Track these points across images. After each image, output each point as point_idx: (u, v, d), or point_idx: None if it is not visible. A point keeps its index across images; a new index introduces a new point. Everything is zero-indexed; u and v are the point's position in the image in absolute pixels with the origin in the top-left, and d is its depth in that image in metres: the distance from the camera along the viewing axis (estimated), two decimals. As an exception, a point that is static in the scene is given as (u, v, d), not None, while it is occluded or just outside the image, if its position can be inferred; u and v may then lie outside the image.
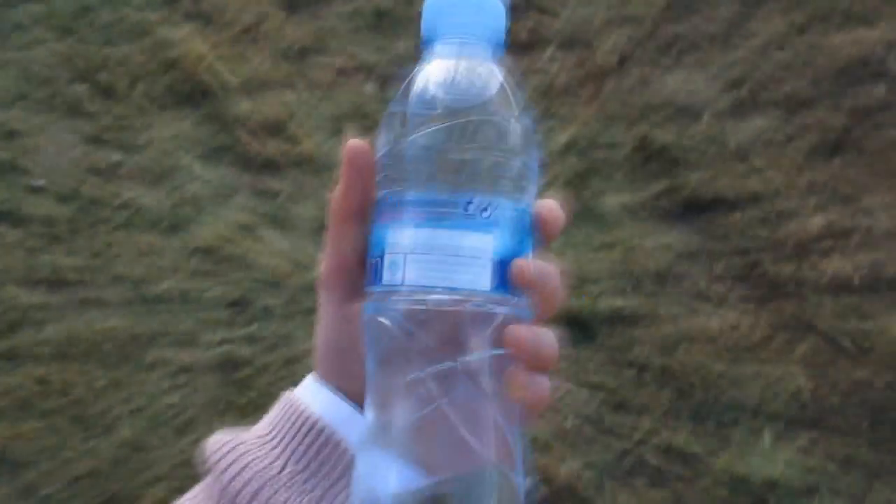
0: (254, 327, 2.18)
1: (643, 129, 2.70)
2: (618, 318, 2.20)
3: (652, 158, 2.64)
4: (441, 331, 0.46)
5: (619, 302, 2.24)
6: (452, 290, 0.46)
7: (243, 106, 2.77)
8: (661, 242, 2.42)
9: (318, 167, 2.60)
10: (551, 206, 0.50)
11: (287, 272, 2.29)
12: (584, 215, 2.43)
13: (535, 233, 0.49)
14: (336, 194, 0.52)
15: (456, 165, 0.46)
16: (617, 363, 2.09)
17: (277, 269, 2.31)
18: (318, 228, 2.42)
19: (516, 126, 0.48)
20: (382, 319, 0.47)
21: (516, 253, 0.47)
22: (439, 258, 0.46)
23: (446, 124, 0.47)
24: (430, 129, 0.47)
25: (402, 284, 0.46)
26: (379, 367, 0.48)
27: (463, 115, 0.47)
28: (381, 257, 0.48)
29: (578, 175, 2.60)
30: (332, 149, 2.67)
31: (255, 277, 2.29)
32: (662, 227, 2.48)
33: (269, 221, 2.44)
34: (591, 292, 2.25)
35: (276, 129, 2.71)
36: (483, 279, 0.46)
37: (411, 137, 0.47)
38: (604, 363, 2.09)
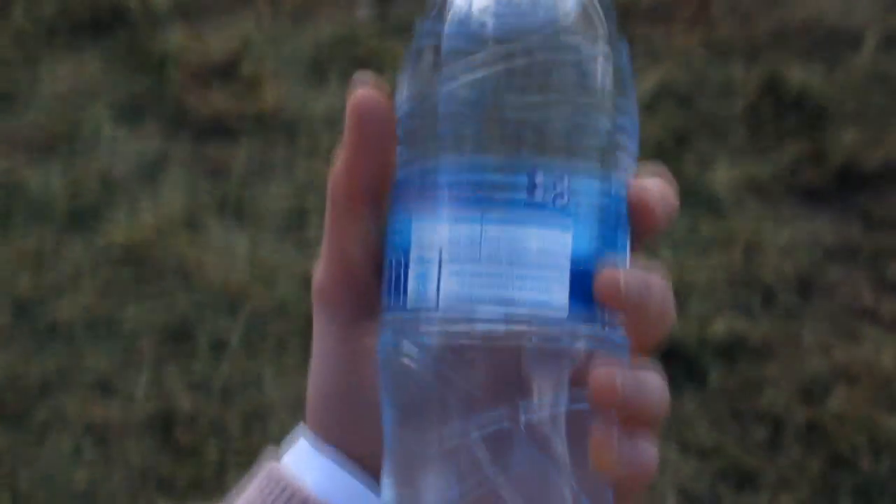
0: (199, 367, 2.19)
1: (772, 66, 2.72)
2: (739, 350, 2.22)
3: (786, 110, 2.67)
4: (494, 373, 0.47)
5: (740, 325, 2.26)
6: (511, 313, 0.47)
7: (177, 38, 2.77)
8: (801, 235, 2.44)
9: (288, 129, 2.61)
10: (655, 187, 0.51)
11: (246, 285, 2.30)
12: (684, 196, 2.41)
13: (632, 226, 0.51)
14: (338, 168, 0.53)
15: (515, 127, 0.48)
16: (739, 416, 2.11)
17: (232, 281, 2.31)
18: (293, 220, 2.43)
19: (605, 66, 0.49)
20: (407, 356, 0.49)
21: (605, 255, 0.49)
22: (491, 266, 0.47)
23: (500, 66, 0.48)
24: (475, 73, 0.48)
25: (435, 305, 0.48)
26: (402, 426, 0.50)
27: (524, 52, 0.48)
28: (405, 264, 0.49)
29: (675, 136, 2.64)
30: (310, 100, 2.68)
31: (200, 294, 2.29)
32: (803, 211, 2.50)
33: (218, 210, 2.46)
34: (698, 311, 2.27)
35: (225, 72, 2.72)
36: (557, 296, 0.47)
37: (447, 86, 0.49)
38: (719, 417, 2.11)
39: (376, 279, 0.52)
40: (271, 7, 2.88)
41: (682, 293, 2.26)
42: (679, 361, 2.14)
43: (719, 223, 2.45)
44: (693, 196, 2.44)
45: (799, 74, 2.65)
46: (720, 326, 2.25)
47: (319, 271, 0.54)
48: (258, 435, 2.05)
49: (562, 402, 0.48)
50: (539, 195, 0.47)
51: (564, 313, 0.47)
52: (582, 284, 0.48)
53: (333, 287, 0.54)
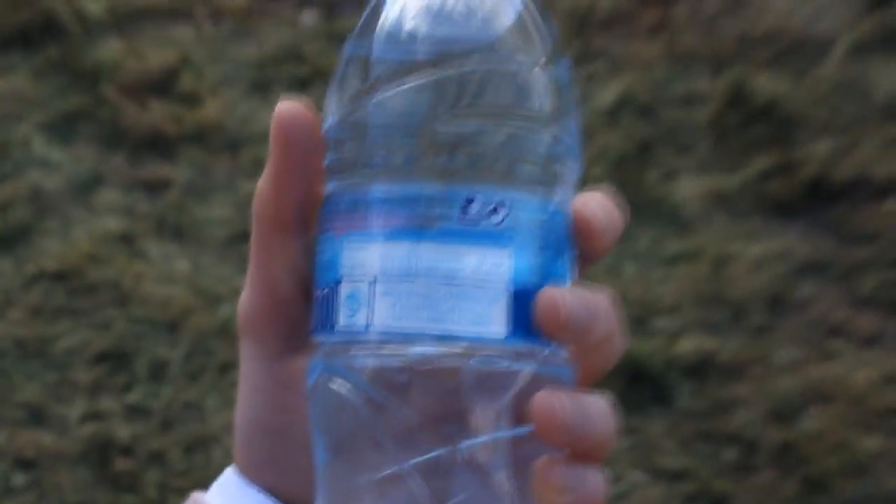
0: (136, 394, 2.18)
1: (737, 76, 2.74)
2: (708, 369, 2.23)
3: (753, 120, 2.69)
4: (430, 399, 0.48)
5: (707, 343, 2.28)
6: (447, 337, 0.47)
7: (111, 50, 2.77)
8: (771, 249, 2.46)
9: (230, 144, 2.63)
10: (599, 205, 0.52)
11: (187, 307, 2.31)
12: (648, 210, 2.49)
13: (575, 246, 0.51)
14: (263, 188, 0.53)
15: (449, 142, 0.48)
16: (708, 438, 2.12)
17: (172, 303, 2.32)
18: (234, 239, 2.45)
19: (543, 78, 0.50)
20: (338, 385, 0.49)
21: (546, 278, 0.49)
22: (425, 288, 0.47)
23: (434, 76, 0.48)
24: (408, 85, 0.49)
25: (367, 330, 0.48)
26: (334, 458, 0.50)
27: (460, 62, 0.48)
28: (335, 287, 0.49)
29: (639, 148, 2.65)
30: (253, 114, 2.69)
31: (138, 316, 2.29)
32: (773, 225, 2.52)
33: (156, 230, 2.46)
34: (665, 329, 2.29)
35: (163, 86, 2.73)
36: (495, 320, 0.48)
37: (378, 98, 0.49)
38: (688, 439, 2.11)
39: (306, 308, 0.52)
40: (212, 17, 2.88)
41: (647, 310, 2.30)
42: (645, 382, 2.16)
43: (685, 238, 2.47)
44: (657, 210, 2.47)
45: (766, 84, 2.68)
46: (688, 345, 2.26)
47: (245, 300, 0.54)
48: (200, 465, 2.05)
49: (503, 429, 0.48)
50: (476, 213, 0.47)
51: (503, 334, 0.47)
52: (522, 307, 0.48)
53: (260, 317, 0.53)
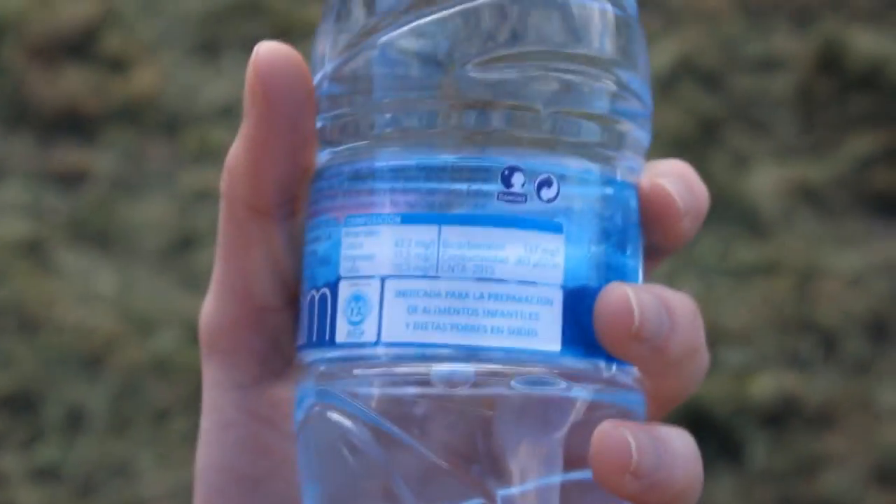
0: (46, 450, 2.12)
1: (831, 31, 2.70)
2: (790, 416, 2.18)
3: (851, 91, 2.63)
4: (459, 433, 0.47)
5: (790, 382, 2.22)
6: (481, 352, 0.46)
7: (15, 0, 2.75)
8: (872, 259, 2.41)
9: (168, 124, 2.59)
10: (678, 176, 0.52)
11: (112, 337, 2.26)
12: (714, 207, 2.47)
13: (647, 236, 0.51)
14: (236, 162, 0.52)
15: (483, 94, 0.47)
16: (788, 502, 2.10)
17: (92, 333, 2.27)
18: (174, 248, 2.41)
19: (604, 11, 0.49)
20: (337, 418, 0.48)
21: (609, 273, 0.48)
22: (453, 284, 0.46)
23: (461, 6, 0.47)
24: (426, 19, 0.47)
25: (376, 344, 0.47)
26: None
27: None
28: (332, 288, 0.48)
29: (702, 127, 2.62)
30: (198, 85, 2.67)
31: (49, 348, 2.25)
32: (876, 227, 2.48)
33: (72, 235, 2.42)
34: (735, 364, 2.23)
35: (81, 47, 2.69)
36: (545, 329, 0.46)
37: (387, 38, 0.48)
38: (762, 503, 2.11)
39: (290, 317, 0.52)
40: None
41: (712, 339, 2.24)
42: (710, 432, 2.11)
43: (761, 244, 2.44)
44: (725, 207, 2.42)
45: (866, 43, 2.62)
46: (764, 384, 2.22)
47: (209, 310, 0.53)
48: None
49: (553, 472, 0.47)
50: (519, 188, 0.47)
51: (556, 348, 0.47)
52: (579, 311, 0.47)
53: (231, 331, 0.53)
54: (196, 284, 2.26)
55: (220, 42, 2.77)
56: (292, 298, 0.52)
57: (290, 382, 0.52)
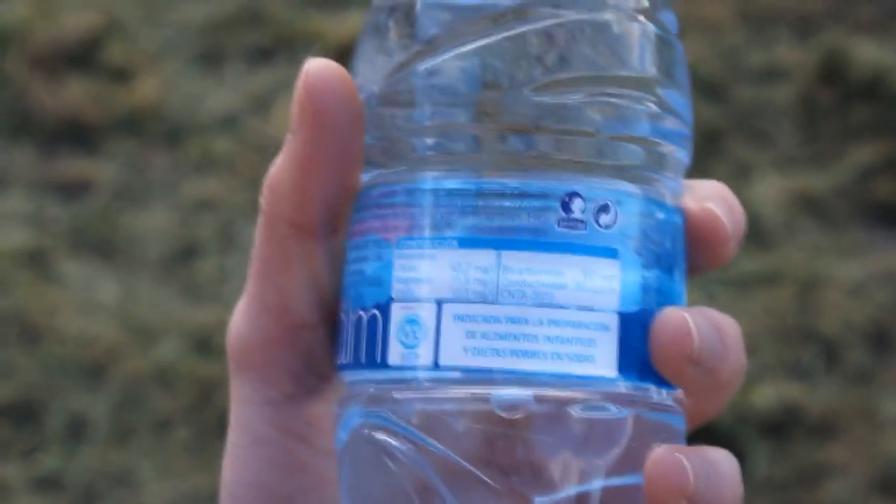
0: (48, 460, 2.12)
1: (833, 41, 2.70)
2: (792, 425, 2.18)
3: (853, 101, 2.62)
4: (518, 459, 0.47)
5: (792, 392, 2.22)
6: (540, 377, 0.47)
7: (19, 11, 2.74)
8: (874, 269, 2.41)
9: (171, 134, 2.57)
10: (721, 200, 0.52)
11: (114, 347, 2.25)
12: None
13: (691, 253, 0.52)
14: (280, 178, 0.52)
15: (536, 117, 0.47)
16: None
17: (94, 342, 2.26)
18: (176, 258, 2.40)
19: (647, 32, 0.50)
20: (386, 441, 0.48)
21: (661, 298, 0.49)
22: (514, 314, 0.47)
23: (510, 31, 0.48)
24: (474, 43, 0.48)
25: (433, 363, 0.47)
26: None
27: (542, 12, 0.48)
28: (384, 310, 0.49)
29: (704, 137, 2.55)
30: (200, 95, 2.65)
31: (51, 358, 2.24)
32: (877, 237, 2.48)
33: (75, 244, 2.41)
34: None
35: (84, 55, 2.68)
36: (603, 354, 0.47)
37: (435, 60, 0.48)
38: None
39: (326, 335, 0.52)
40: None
41: None
42: (711, 440, 2.09)
43: (763, 254, 2.42)
44: None
45: (868, 54, 2.62)
46: (767, 394, 2.22)
47: (240, 326, 0.53)
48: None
49: (593, 479, 0.48)
50: (579, 213, 0.47)
51: (613, 373, 0.48)
52: (633, 336, 0.48)
53: (265, 348, 0.53)
54: (198, 294, 2.28)
55: (222, 52, 2.76)
56: (328, 316, 0.52)
57: (325, 399, 0.52)
